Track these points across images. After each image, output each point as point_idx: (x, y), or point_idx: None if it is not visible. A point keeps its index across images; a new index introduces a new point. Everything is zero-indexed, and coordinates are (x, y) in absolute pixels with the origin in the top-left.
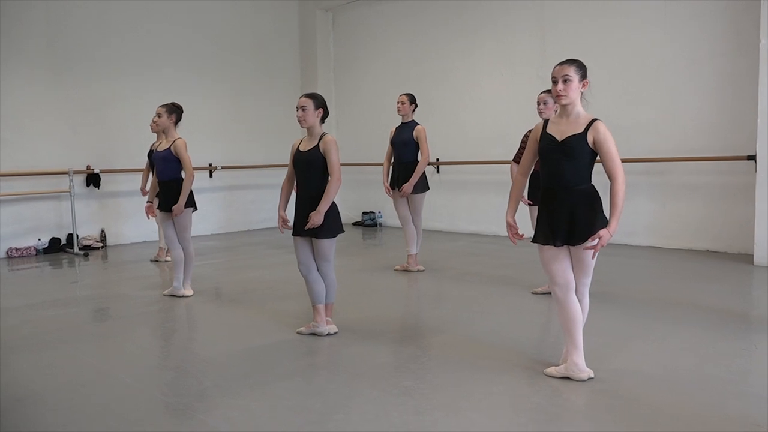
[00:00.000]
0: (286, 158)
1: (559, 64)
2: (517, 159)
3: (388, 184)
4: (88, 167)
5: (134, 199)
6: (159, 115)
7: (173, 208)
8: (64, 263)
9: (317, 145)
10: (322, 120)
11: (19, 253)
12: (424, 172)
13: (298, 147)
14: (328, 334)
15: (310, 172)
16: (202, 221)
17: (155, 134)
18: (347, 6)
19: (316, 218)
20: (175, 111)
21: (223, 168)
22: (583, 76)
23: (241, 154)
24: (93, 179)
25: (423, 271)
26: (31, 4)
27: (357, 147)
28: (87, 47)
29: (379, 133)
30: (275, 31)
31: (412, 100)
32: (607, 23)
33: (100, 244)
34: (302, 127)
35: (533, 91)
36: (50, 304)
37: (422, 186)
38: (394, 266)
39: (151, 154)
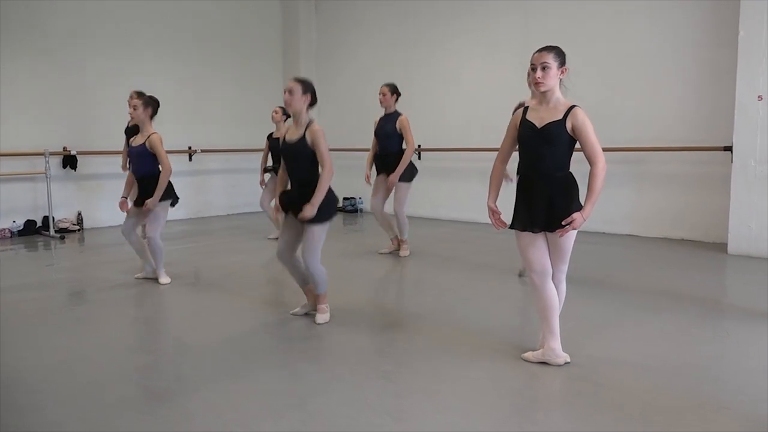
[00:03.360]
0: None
1: (537, 51)
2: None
3: (369, 172)
4: (64, 149)
5: (112, 182)
6: (135, 108)
7: (147, 202)
8: (39, 246)
9: (304, 135)
10: (310, 106)
11: None
12: (411, 161)
13: (284, 136)
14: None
15: (297, 162)
16: (180, 205)
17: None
18: None
19: (308, 212)
20: (151, 104)
21: (202, 151)
22: (562, 62)
23: (221, 138)
24: (69, 161)
25: (387, 254)
26: None
27: (339, 133)
28: (65, 28)
29: (361, 119)
30: (257, 14)
31: (394, 90)
32: (590, 11)
33: (77, 227)
34: (288, 111)
35: (515, 79)
36: (25, 287)
37: (408, 175)
38: (376, 251)
39: (128, 133)
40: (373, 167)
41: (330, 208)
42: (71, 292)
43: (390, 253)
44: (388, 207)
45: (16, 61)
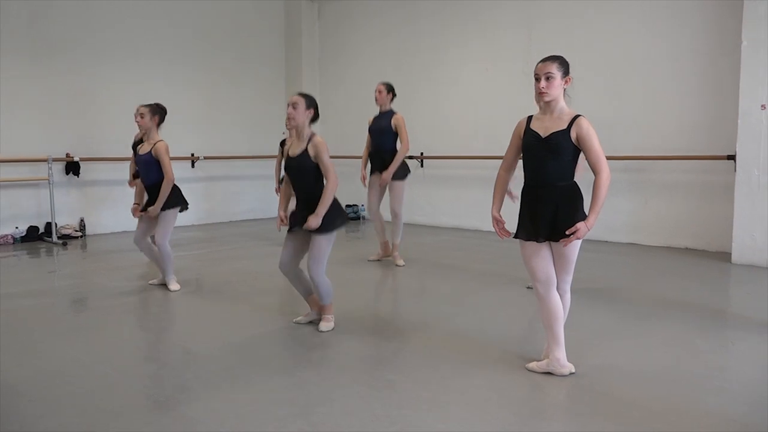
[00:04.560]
0: (270, 149)
1: (541, 61)
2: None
3: (364, 172)
4: (67, 155)
5: (114, 188)
6: (142, 116)
7: (148, 209)
8: (42, 252)
9: (306, 149)
10: (312, 121)
11: None
12: (404, 160)
13: (287, 151)
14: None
15: (302, 176)
16: (185, 212)
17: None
18: None
19: (313, 222)
20: (158, 112)
21: (205, 158)
22: (566, 72)
23: (224, 145)
24: (72, 167)
25: (378, 261)
26: None
27: (342, 139)
28: (68, 34)
29: (364, 125)
30: (260, 20)
31: (390, 89)
32: (592, 21)
33: (79, 234)
34: (290, 126)
35: (518, 87)
36: (28, 294)
37: (402, 173)
38: (383, 258)
39: (135, 147)
40: (368, 167)
41: (335, 219)
42: (74, 298)
43: (379, 260)
44: (384, 209)
45: (19, 67)
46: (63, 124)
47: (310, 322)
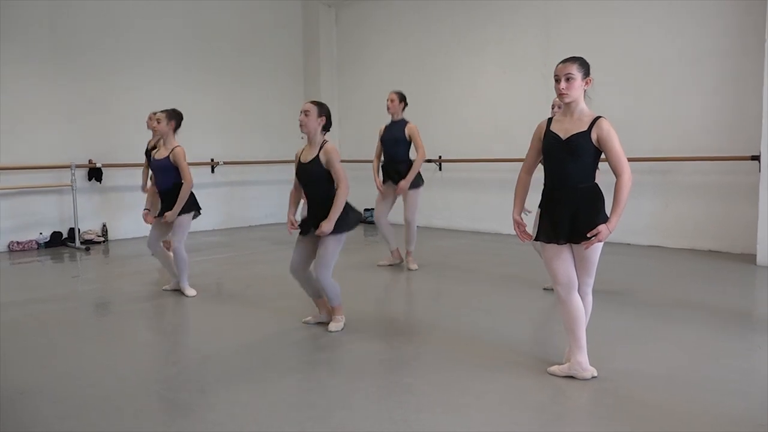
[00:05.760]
0: (288, 154)
1: (561, 62)
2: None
3: (380, 179)
4: (90, 161)
5: (136, 194)
6: (158, 121)
7: (166, 214)
8: (65, 257)
9: (318, 155)
10: (324, 129)
11: (21, 246)
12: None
13: (299, 158)
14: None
15: (314, 183)
16: (203, 217)
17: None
18: (351, 2)
19: (326, 227)
20: (175, 117)
21: (225, 163)
22: (586, 73)
23: (243, 150)
24: (95, 173)
25: (401, 263)
26: None
27: (359, 143)
28: (89, 40)
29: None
30: (278, 26)
31: (402, 98)
32: (611, 22)
33: (102, 239)
34: (302, 131)
35: (537, 90)
36: (51, 298)
37: (417, 182)
38: (394, 263)
39: (148, 154)
40: (380, 174)
41: (345, 223)
42: (96, 303)
43: (390, 265)
44: (396, 216)
45: (41, 74)
46: (85, 130)
47: (319, 323)
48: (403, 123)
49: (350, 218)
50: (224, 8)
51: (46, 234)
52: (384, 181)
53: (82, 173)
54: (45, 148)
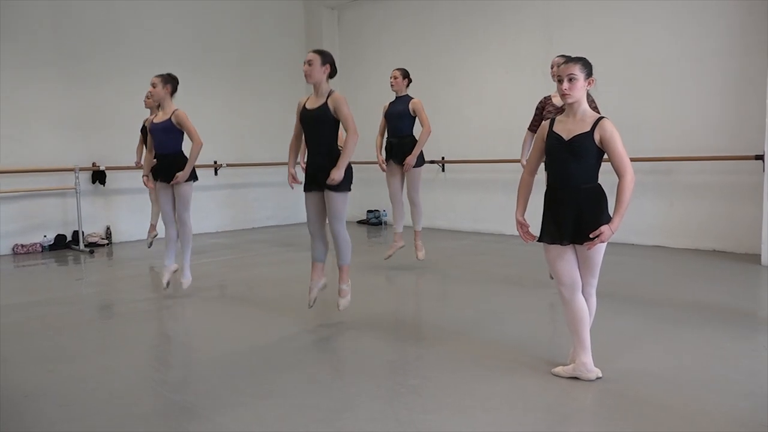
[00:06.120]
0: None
1: (564, 62)
2: (532, 128)
3: (382, 157)
4: (93, 164)
5: (140, 196)
6: (154, 86)
7: (178, 175)
8: (69, 260)
9: (326, 102)
10: (330, 76)
11: (25, 249)
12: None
13: (304, 104)
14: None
15: (319, 129)
16: (206, 219)
17: (149, 110)
18: (353, 4)
19: (336, 174)
20: (170, 81)
21: (228, 166)
22: (589, 74)
23: (246, 152)
24: (98, 176)
25: (404, 246)
26: (38, 2)
27: (362, 145)
28: (93, 44)
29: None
30: (280, 29)
31: (405, 74)
32: (613, 22)
33: (106, 241)
34: (308, 82)
35: (539, 90)
36: (56, 301)
37: (420, 159)
38: (398, 264)
39: (144, 129)
40: (383, 152)
41: (350, 177)
42: (101, 305)
43: (393, 254)
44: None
45: (45, 78)
46: (88, 133)
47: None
48: (408, 98)
49: (352, 175)
50: (227, 12)
51: (51, 237)
52: (386, 159)
53: (85, 176)
54: (48, 151)
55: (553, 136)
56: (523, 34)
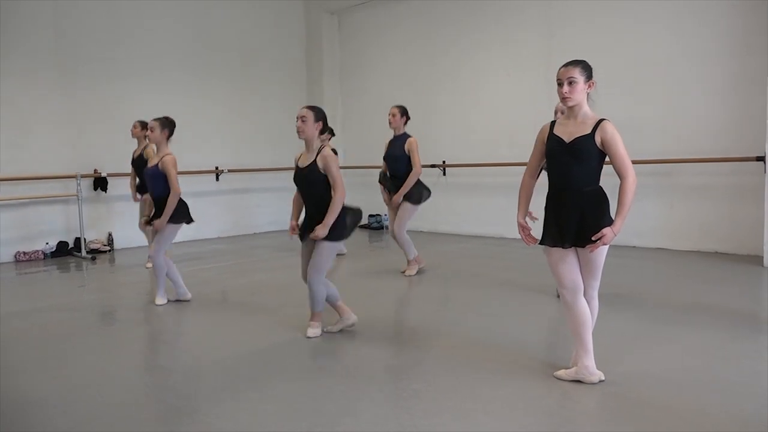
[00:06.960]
0: (292, 161)
1: (564, 65)
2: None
3: (386, 194)
4: (95, 171)
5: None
6: (152, 129)
7: (154, 222)
8: (71, 267)
9: (315, 160)
10: (321, 133)
11: (27, 256)
12: (422, 183)
13: (297, 163)
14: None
15: (310, 188)
16: (208, 224)
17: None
18: (353, 8)
19: (320, 232)
20: (168, 125)
21: (229, 171)
22: (589, 76)
23: (247, 158)
24: (100, 183)
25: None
26: (38, 6)
27: (362, 149)
28: (94, 50)
29: (385, 135)
30: (281, 34)
31: (404, 112)
32: (615, 23)
33: (108, 248)
34: (300, 137)
35: (540, 93)
36: (57, 308)
37: (417, 197)
38: (400, 269)
39: (134, 162)
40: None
41: (341, 229)
42: (102, 312)
43: (416, 273)
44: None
45: (47, 85)
46: (90, 139)
47: (341, 331)
48: (404, 138)
49: (347, 224)
50: (228, 17)
51: (53, 244)
52: (389, 194)
53: (87, 183)
54: (50, 158)
55: (553, 139)
56: (524, 37)
